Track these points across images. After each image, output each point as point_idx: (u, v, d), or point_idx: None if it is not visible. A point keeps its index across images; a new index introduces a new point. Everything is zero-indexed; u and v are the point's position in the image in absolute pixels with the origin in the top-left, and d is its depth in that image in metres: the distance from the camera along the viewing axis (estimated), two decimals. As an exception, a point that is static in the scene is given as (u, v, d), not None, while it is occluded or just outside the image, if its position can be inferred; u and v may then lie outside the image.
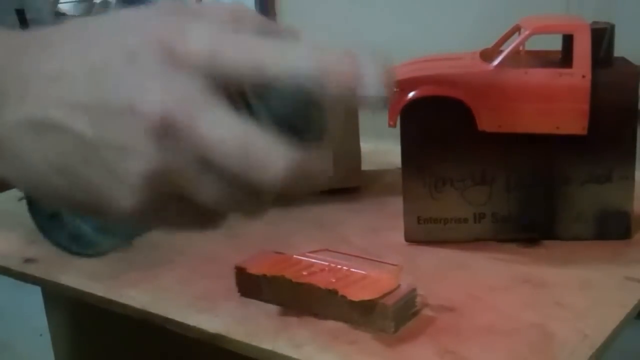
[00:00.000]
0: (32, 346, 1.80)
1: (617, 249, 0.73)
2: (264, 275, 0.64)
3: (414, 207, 0.75)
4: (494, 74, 0.70)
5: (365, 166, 0.95)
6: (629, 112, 0.71)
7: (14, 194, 0.93)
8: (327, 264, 0.66)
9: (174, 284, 0.71)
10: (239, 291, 0.67)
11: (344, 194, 0.91)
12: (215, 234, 0.88)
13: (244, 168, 0.31)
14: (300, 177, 0.32)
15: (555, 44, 0.75)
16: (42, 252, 0.79)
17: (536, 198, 0.74)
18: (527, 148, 0.72)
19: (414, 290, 0.62)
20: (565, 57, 0.72)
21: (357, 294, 0.59)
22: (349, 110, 0.94)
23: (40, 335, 1.66)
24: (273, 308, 0.64)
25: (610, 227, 0.74)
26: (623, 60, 0.74)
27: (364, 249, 0.74)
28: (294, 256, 0.67)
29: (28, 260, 0.78)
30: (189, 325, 0.63)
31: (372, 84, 0.32)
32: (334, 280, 0.62)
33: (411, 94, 0.72)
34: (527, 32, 0.70)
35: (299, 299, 0.63)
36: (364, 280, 0.62)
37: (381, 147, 1.06)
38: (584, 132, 0.70)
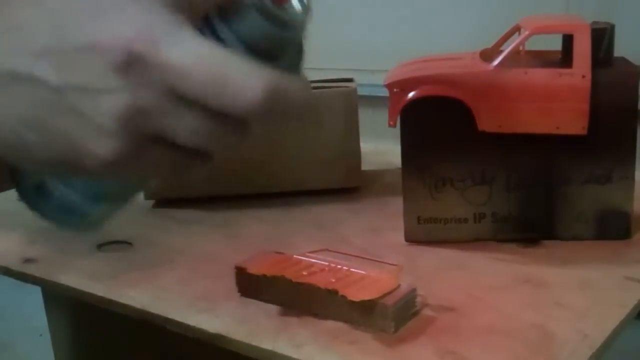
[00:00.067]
0: (32, 346, 1.80)
1: (617, 249, 0.73)
2: (264, 275, 0.64)
3: (414, 207, 0.75)
4: (494, 74, 0.70)
5: (365, 166, 0.95)
6: (629, 112, 0.71)
7: (14, 194, 0.93)
8: (327, 264, 0.66)
9: (174, 284, 0.71)
10: (239, 291, 0.67)
11: (344, 194, 0.91)
12: (215, 234, 0.89)
13: (218, 95, 0.29)
14: (279, 100, 0.30)
15: (555, 44, 0.75)
16: (42, 252, 0.80)
17: (536, 198, 0.74)
18: (527, 148, 0.72)
19: (414, 290, 0.62)
20: (565, 57, 0.72)
21: (357, 294, 0.59)
22: (348, 109, 0.94)
23: (40, 335, 1.66)
24: (273, 308, 0.64)
25: (610, 227, 0.74)
26: (623, 60, 0.74)
27: (364, 249, 0.74)
28: (294, 256, 0.67)
29: (28, 260, 0.78)
30: (189, 325, 0.63)
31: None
32: (334, 280, 0.62)
33: (411, 94, 0.72)
34: (527, 32, 0.70)
35: (299, 299, 0.63)
36: (364, 280, 0.62)
37: (381, 147, 1.06)
38: (584, 132, 0.70)
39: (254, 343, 0.60)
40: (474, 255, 0.73)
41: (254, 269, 0.65)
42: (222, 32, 0.31)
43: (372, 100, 1.42)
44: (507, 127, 0.71)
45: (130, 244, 0.81)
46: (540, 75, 0.69)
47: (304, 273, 0.64)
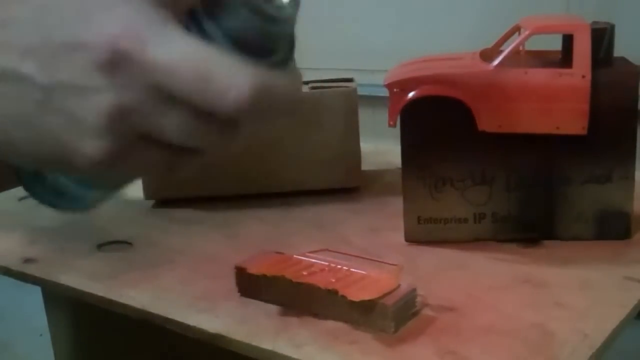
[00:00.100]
0: (32, 346, 1.80)
1: (617, 249, 0.73)
2: (264, 275, 0.64)
3: (414, 207, 0.75)
4: (494, 74, 0.70)
5: (365, 166, 0.95)
6: (629, 112, 0.71)
7: (14, 194, 0.93)
8: (327, 264, 0.66)
9: (174, 284, 0.71)
10: (239, 291, 0.67)
11: (344, 194, 0.91)
12: (215, 234, 0.89)
13: (203, 92, 0.29)
14: (266, 97, 0.30)
15: (555, 44, 0.75)
16: (42, 252, 0.80)
17: (536, 198, 0.74)
18: (527, 148, 0.72)
19: (414, 290, 0.62)
20: (565, 57, 0.72)
21: (357, 294, 0.59)
22: (348, 109, 0.94)
23: (40, 335, 1.66)
24: (273, 308, 0.64)
25: (610, 227, 0.74)
26: (623, 60, 0.74)
27: (364, 249, 0.74)
28: (294, 256, 0.67)
29: (28, 260, 0.78)
30: (189, 325, 0.63)
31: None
32: (334, 280, 0.62)
33: (411, 94, 0.72)
34: (527, 32, 0.70)
35: (299, 299, 0.63)
36: (364, 280, 0.62)
37: (381, 147, 1.06)
38: (584, 132, 0.70)
39: (254, 343, 0.60)
40: (474, 255, 0.73)
41: (254, 269, 0.65)
42: (209, 29, 0.30)
43: (372, 100, 1.42)
44: (507, 127, 0.71)
45: (130, 244, 0.81)
46: (540, 75, 0.69)
47: (304, 273, 0.64)
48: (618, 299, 0.63)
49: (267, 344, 0.59)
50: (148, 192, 0.91)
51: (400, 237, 0.76)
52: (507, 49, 0.71)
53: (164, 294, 0.69)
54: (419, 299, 0.63)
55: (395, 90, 0.72)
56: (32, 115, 0.31)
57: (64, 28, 0.30)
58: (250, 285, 0.66)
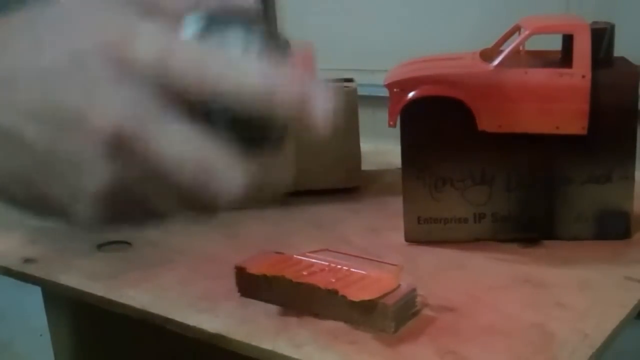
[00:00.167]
0: (32, 346, 1.80)
1: (617, 249, 0.73)
2: (264, 275, 0.64)
3: (414, 207, 0.75)
4: (494, 74, 0.70)
5: (365, 166, 0.95)
6: (629, 112, 0.71)
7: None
8: (327, 264, 0.66)
9: (174, 284, 0.71)
10: (239, 291, 0.67)
11: (344, 194, 0.91)
12: (215, 234, 0.89)
13: (199, 183, 0.30)
14: (257, 190, 0.32)
15: (555, 44, 0.75)
16: (42, 252, 0.80)
17: (536, 198, 0.74)
18: (527, 148, 0.72)
19: (414, 290, 0.62)
20: (565, 57, 0.72)
21: (357, 294, 0.59)
22: (348, 109, 0.94)
23: (40, 335, 1.65)
24: (273, 308, 0.64)
25: (610, 227, 0.74)
26: (623, 60, 0.74)
27: (364, 249, 0.74)
28: (294, 256, 0.67)
29: (28, 260, 0.78)
30: (189, 325, 0.63)
31: (318, 111, 0.31)
32: (334, 280, 0.62)
33: (411, 94, 0.72)
34: (527, 32, 0.70)
35: (299, 299, 0.63)
36: (364, 280, 0.62)
37: (381, 147, 1.06)
38: (584, 132, 0.70)
39: (254, 343, 0.60)
40: (474, 255, 0.73)
41: (254, 269, 0.65)
42: (212, 114, 0.31)
43: (372, 100, 1.41)
44: (507, 127, 0.71)
45: (130, 244, 0.81)
46: (540, 75, 0.69)
47: (304, 273, 0.64)
48: (618, 299, 0.63)
49: (267, 344, 0.59)
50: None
51: (400, 237, 0.76)
52: (507, 49, 0.71)
53: (164, 294, 0.69)
54: (419, 299, 0.63)
55: (395, 90, 0.72)
56: (31, 174, 0.32)
57: (70, 100, 0.30)
58: (250, 285, 0.66)
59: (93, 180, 0.31)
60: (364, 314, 0.60)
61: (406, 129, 0.74)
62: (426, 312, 0.63)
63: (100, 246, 0.81)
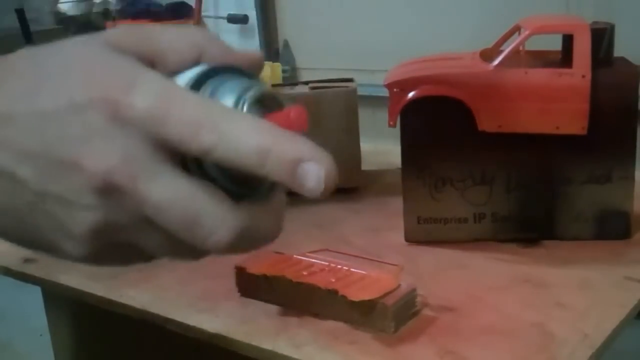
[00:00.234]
0: (32, 346, 1.80)
1: (616, 249, 0.73)
2: (264, 275, 0.64)
3: (414, 207, 0.75)
4: (494, 74, 0.70)
5: (365, 166, 0.95)
6: (629, 112, 0.71)
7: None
8: (327, 264, 0.66)
9: (174, 284, 0.71)
10: (239, 291, 0.67)
11: (344, 194, 0.91)
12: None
13: (188, 233, 0.31)
14: (246, 240, 0.32)
15: (555, 44, 0.75)
16: (42, 252, 0.79)
17: (536, 198, 0.74)
18: (527, 148, 0.72)
19: (414, 290, 0.62)
20: (565, 57, 0.72)
21: (357, 294, 0.59)
22: (348, 109, 0.94)
23: (40, 335, 1.65)
24: (273, 308, 0.64)
25: (610, 227, 0.74)
26: (623, 60, 0.74)
27: (364, 249, 0.74)
28: (294, 256, 0.67)
29: (28, 260, 0.78)
30: (189, 325, 0.63)
31: (311, 177, 0.31)
32: (334, 280, 0.62)
33: (411, 94, 0.72)
34: (527, 32, 0.70)
35: (299, 299, 0.63)
36: (364, 280, 0.62)
37: (381, 147, 1.06)
38: (584, 132, 0.70)
39: (254, 343, 0.60)
40: (474, 255, 0.73)
41: (254, 269, 0.65)
42: (207, 167, 0.32)
43: (372, 100, 1.42)
44: (507, 127, 0.71)
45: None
46: (540, 75, 0.69)
47: (304, 273, 0.64)
48: (618, 299, 0.63)
49: (267, 344, 0.59)
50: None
51: (400, 237, 0.76)
52: (507, 49, 0.71)
53: (164, 294, 0.69)
54: (419, 299, 0.63)
55: (395, 90, 0.72)
56: (22, 211, 0.32)
57: (64, 144, 0.31)
58: (250, 285, 0.66)
59: (83, 221, 0.31)
60: (364, 314, 0.60)
61: (406, 129, 0.74)
62: (426, 312, 0.63)
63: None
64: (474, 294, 0.65)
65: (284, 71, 1.74)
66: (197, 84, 0.32)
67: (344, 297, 0.59)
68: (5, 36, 2.36)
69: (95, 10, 3.10)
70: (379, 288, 0.60)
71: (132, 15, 2.73)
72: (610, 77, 0.70)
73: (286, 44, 2.46)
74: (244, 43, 2.62)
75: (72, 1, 3.11)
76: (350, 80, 0.94)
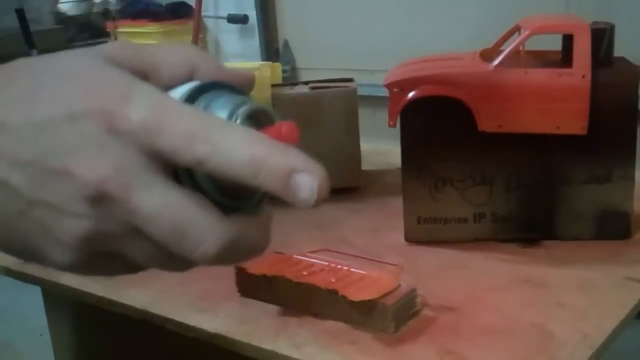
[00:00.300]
0: (32, 346, 1.80)
1: (617, 249, 0.73)
2: (264, 275, 0.64)
3: (414, 207, 0.75)
4: (494, 74, 0.70)
5: (365, 166, 0.95)
6: (629, 112, 0.71)
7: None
8: (327, 264, 0.66)
9: (174, 284, 0.71)
10: (239, 291, 0.67)
11: (344, 194, 0.91)
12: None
13: (176, 243, 0.31)
14: (234, 252, 0.32)
15: (555, 44, 0.75)
16: (42, 252, 0.79)
17: (536, 198, 0.74)
18: (527, 148, 0.72)
19: (414, 290, 0.62)
20: (565, 57, 0.72)
21: (357, 294, 0.59)
22: (348, 109, 0.94)
23: (40, 335, 1.66)
24: (273, 308, 0.64)
25: (610, 227, 0.74)
26: (623, 60, 0.74)
27: (364, 249, 0.74)
28: (294, 256, 0.67)
29: (28, 260, 0.78)
30: (189, 325, 0.63)
31: (304, 188, 0.31)
32: (334, 280, 0.62)
33: (411, 94, 0.72)
34: (527, 32, 0.70)
35: (299, 299, 0.63)
36: (364, 280, 0.62)
37: (381, 147, 1.06)
38: (584, 132, 0.70)
39: (254, 343, 0.60)
40: (474, 255, 0.73)
41: (254, 269, 0.65)
42: (199, 178, 0.32)
43: (372, 100, 1.42)
44: (507, 127, 0.71)
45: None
46: (540, 75, 0.69)
47: (304, 273, 0.64)
48: (618, 299, 0.63)
49: (267, 344, 0.59)
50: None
51: (400, 237, 0.76)
52: (507, 49, 0.71)
53: (164, 294, 0.69)
54: (419, 299, 0.63)
55: (395, 90, 0.72)
56: (12, 218, 0.33)
57: (58, 153, 0.31)
58: (250, 285, 0.66)
59: (72, 229, 0.32)
60: (364, 314, 0.60)
61: (406, 129, 0.74)
62: (426, 312, 0.63)
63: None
64: (474, 294, 0.65)
65: (284, 71, 1.75)
66: (190, 99, 0.33)
67: (344, 297, 0.59)
68: (5, 36, 2.36)
69: (95, 10, 3.11)
70: (379, 288, 0.60)
71: (132, 15, 2.74)
72: (610, 77, 0.70)
73: (286, 44, 2.46)
74: (244, 43, 2.63)
75: (72, 1, 3.11)
76: (350, 80, 0.94)
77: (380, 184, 0.97)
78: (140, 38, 2.60)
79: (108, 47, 0.35)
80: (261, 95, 0.89)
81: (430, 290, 0.65)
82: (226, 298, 0.66)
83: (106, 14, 2.99)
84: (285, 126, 0.32)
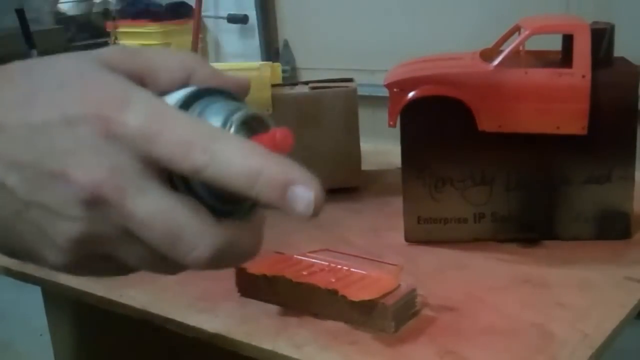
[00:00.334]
0: (32, 346, 1.80)
1: (617, 249, 0.73)
2: (264, 275, 0.64)
3: (414, 207, 0.75)
4: (494, 74, 0.70)
5: (365, 166, 0.95)
6: (629, 112, 0.71)
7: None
8: (327, 264, 0.66)
9: (174, 284, 0.70)
10: (239, 291, 0.67)
11: (344, 194, 0.91)
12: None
13: (170, 247, 0.32)
14: (226, 257, 0.32)
15: (555, 44, 0.75)
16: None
17: (536, 198, 0.74)
18: (527, 148, 0.72)
19: (414, 290, 0.62)
20: (565, 57, 0.72)
21: (357, 294, 0.59)
22: (348, 109, 0.94)
23: (40, 335, 1.66)
24: (273, 308, 0.64)
25: (610, 227, 0.74)
26: (623, 60, 0.74)
27: (364, 249, 0.74)
28: (294, 256, 0.67)
29: (28, 260, 0.78)
30: (189, 325, 0.63)
31: (301, 201, 0.31)
32: (334, 280, 0.62)
33: (411, 94, 0.72)
34: (527, 32, 0.70)
35: (299, 299, 0.63)
36: (364, 280, 0.62)
37: (381, 147, 1.06)
38: (584, 132, 0.70)
39: (254, 343, 0.60)
40: (474, 255, 0.73)
41: (254, 269, 0.65)
42: (194, 185, 0.32)
43: (372, 100, 1.42)
44: (507, 127, 0.71)
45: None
46: (540, 75, 0.69)
47: (304, 273, 0.64)
48: (618, 299, 0.63)
49: (267, 344, 0.59)
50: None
51: (400, 237, 0.76)
52: (507, 49, 0.71)
53: (164, 294, 0.69)
54: (419, 299, 0.63)
55: (395, 90, 0.72)
56: (7, 218, 0.33)
57: (54, 155, 0.31)
58: (250, 285, 0.66)
59: (66, 231, 0.32)
60: (364, 314, 0.60)
61: (406, 129, 0.74)
62: (426, 312, 0.63)
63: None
64: (474, 294, 0.65)
65: (284, 71, 1.74)
66: (185, 105, 0.33)
67: (344, 297, 0.59)
68: (5, 36, 2.36)
69: (95, 10, 3.11)
70: (379, 288, 0.60)
71: (132, 15, 2.74)
72: (610, 77, 0.70)
73: (286, 44, 2.46)
74: (244, 43, 2.63)
75: (72, 1, 3.11)
76: (350, 80, 0.94)
77: (380, 184, 0.97)
78: (140, 38, 2.61)
79: (105, 52, 0.35)
80: (261, 95, 0.89)
81: (430, 290, 0.65)
82: (226, 298, 0.66)
83: (106, 14, 3.00)
84: (279, 132, 0.32)
